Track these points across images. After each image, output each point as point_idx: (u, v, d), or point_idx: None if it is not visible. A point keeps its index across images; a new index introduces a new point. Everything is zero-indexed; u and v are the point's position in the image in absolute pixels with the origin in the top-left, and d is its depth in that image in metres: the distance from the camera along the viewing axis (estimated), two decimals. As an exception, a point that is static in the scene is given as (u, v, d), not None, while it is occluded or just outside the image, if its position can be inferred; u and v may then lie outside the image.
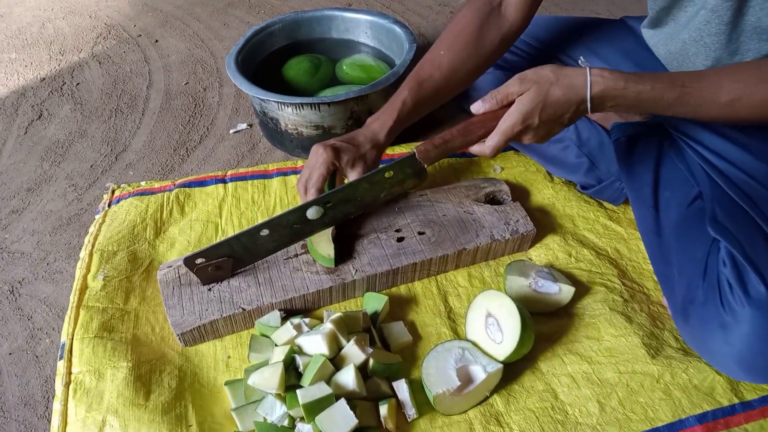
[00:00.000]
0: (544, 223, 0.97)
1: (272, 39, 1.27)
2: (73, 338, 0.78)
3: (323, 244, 0.85)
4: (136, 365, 0.75)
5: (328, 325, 0.73)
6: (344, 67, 1.26)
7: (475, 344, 0.77)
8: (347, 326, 0.76)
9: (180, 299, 0.80)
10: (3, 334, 0.86)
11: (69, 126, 1.26)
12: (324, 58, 1.27)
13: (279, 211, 0.99)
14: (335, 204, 0.81)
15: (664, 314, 0.84)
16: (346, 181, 0.85)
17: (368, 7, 1.68)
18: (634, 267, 0.91)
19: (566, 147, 1.00)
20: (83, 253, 0.89)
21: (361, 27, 1.31)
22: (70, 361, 0.75)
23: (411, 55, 1.12)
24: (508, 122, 0.75)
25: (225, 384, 0.74)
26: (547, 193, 1.03)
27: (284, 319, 0.79)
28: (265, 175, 1.06)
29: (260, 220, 0.96)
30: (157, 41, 1.55)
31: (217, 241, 0.84)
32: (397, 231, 0.89)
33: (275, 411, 0.69)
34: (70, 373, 0.74)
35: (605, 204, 1.01)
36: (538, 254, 0.93)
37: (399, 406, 0.72)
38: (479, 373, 0.72)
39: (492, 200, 0.97)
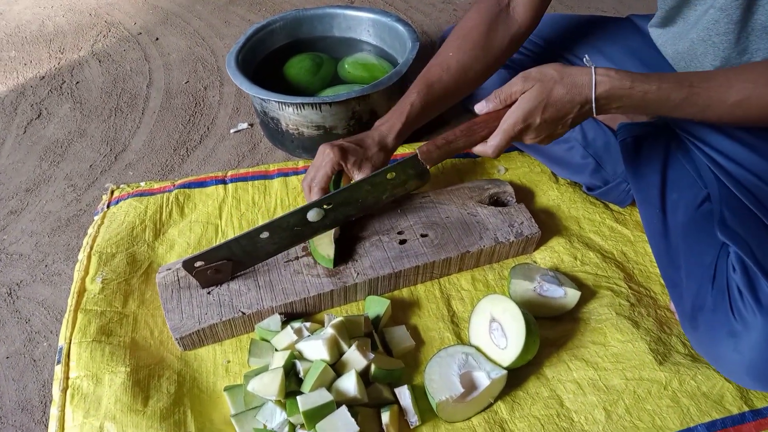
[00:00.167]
0: (549, 225, 0.95)
1: (273, 37, 1.25)
2: (70, 342, 0.77)
3: (324, 244, 0.84)
4: (135, 370, 0.74)
5: (329, 330, 0.72)
6: (346, 66, 1.24)
7: (478, 349, 0.76)
8: (348, 331, 0.75)
9: (179, 303, 0.79)
10: (0, 338, 0.85)
11: (68, 125, 1.24)
12: (326, 57, 1.26)
13: (280, 213, 0.97)
14: (336, 206, 0.80)
15: (671, 319, 0.82)
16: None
17: (370, 5, 1.66)
18: (641, 270, 0.89)
19: (572, 147, 0.98)
20: (81, 255, 0.88)
21: (363, 25, 1.29)
22: (67, 365, 0.74)
23: (414, 54, 1.11)
24: (509, 121, 0.74)
25: (224, 390, 0.73)
26: (552, 194, 1.02)
27: (284, 323, 0.78)
28: (266, 176, 1.05)
29: (261, 222, 0.95)
30: (157, 39, 1.54)
31: (217, 243, 0.83)
32: (400, 233, 0.88)
33: (275, 418, 0.68)
34: (67, 377, 0.73)
35: (611, 206, 1.00)
36: (542, 257, 0.91)
37: (401, 413, 0.71)
38: (483, 379, 0.71)
39: (496, 202, 0.95)
